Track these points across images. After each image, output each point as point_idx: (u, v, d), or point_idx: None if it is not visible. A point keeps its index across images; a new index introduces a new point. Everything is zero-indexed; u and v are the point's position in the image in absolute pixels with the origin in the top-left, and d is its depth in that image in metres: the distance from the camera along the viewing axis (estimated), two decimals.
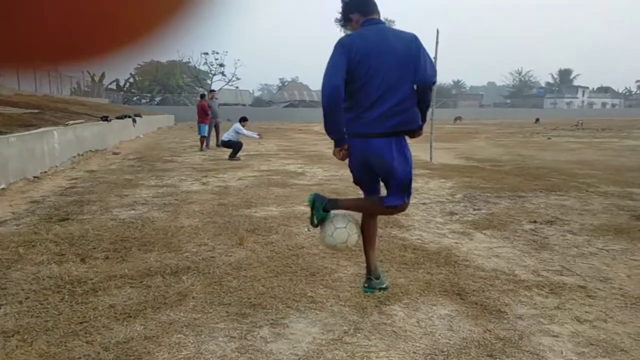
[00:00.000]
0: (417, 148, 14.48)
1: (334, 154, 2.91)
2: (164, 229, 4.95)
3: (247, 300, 3.14)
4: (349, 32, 2.94)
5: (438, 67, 11.21)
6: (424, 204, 6.31)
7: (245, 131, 12.26)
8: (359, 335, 2.67)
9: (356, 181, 3.12)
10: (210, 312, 2.96)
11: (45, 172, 8.81)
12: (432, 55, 10.85)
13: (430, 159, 10.92)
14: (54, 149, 9.50)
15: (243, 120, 12.71)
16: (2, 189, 7.09)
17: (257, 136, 12.89)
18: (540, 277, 3.61)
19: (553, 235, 4.79)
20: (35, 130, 9.23)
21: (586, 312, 3.00)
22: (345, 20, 2.93)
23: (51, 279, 3.53)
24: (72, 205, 6.14)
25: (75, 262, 3.91)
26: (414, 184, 7.51)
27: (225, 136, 12.23)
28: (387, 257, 4.01)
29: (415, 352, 2.49)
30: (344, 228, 2.93)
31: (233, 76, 50.90)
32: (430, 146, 11.07)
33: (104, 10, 0.57)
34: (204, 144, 14.77)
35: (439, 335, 2.69)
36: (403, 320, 2.84)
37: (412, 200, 6.39)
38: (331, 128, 2.78)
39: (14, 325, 2.82)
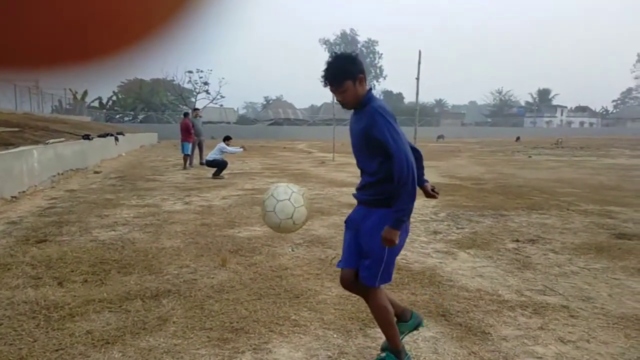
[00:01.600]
0: None
1: (393, 238, 2.28)
2: (144, 251, 4.85)
3: (229, 324, 3.07)
4: (347, 92, 2.40)
5: (421, 87, 11.44)
6: None
7: (229, 148, 12.23)
8: (343, 359, 2.63)
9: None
10: (191, 338, 2.89)
11: (24, 191, 8.62)
12: (414, 76, 10.89)
13: None
14: (33, 168, 9.32)
15: (227, 139, 12.68)
16: None
17: (242, 149, 12.82)
18: (523, 297, 3.62)
19: (535, 254, 4.83)
20: (14, 149, 9.06)
21: (569, 332, 3.01)
22: (353, 78, 2.37)
23: (26, 304, 3.42)
24: (50, 226, 6.00)
25: (52, 286, 3.80)
26: None
27: (210, 156, 12.17)
28: None
29: None
30: (287, 200, 2.62)
31: (217, 94, 50.96)
32: None
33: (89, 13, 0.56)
34: (188, 162, 14.66)
35: (424, 358, 2.66)
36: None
37: None
38: (412, 206, 2.34)
39: None
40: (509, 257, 4.71)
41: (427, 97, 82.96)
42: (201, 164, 15.21)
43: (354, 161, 2.65)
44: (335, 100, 2.83)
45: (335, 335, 2.93)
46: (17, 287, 3.78)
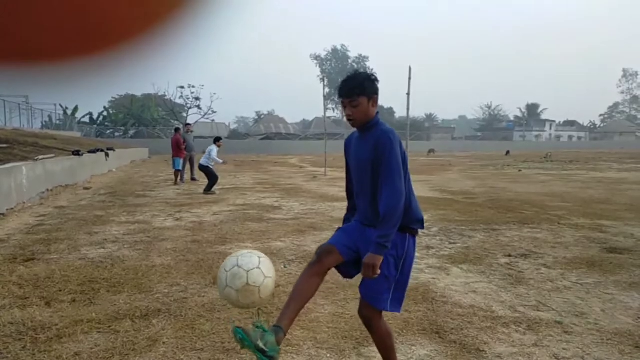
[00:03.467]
0: None
1: (377, 263, 2.22)
2: (134, 269, 4.78)
3: (220, 345, 3.02)
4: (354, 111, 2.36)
5: (411, 102, 11.54)
6: None
7: (214, 154, 12.05)
8: None
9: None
10: (182, 359, 2.83)
11: (12, 208, 8.50)
12: (405, 91, 11.03)
13: None
14: (22, 185, 9.21)
15: (217, 140, 12.55)
16: None
17: (221, 161, 12.44)
18: (517, 313, 3.61)
19: (528, 269, 4.83)
20: (3, 166, 8.96)
21: (564, 349, 3.00)
22: (369, 96, 2.35)
23: (13, 325, 3.34)
24: (38, 244, 5.91)
25: (39, 306, 3.72)
26: None
27: (202, 161, 12.07)
28: None
29: None
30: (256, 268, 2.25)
31: (209, 109, 51.01)
32: None
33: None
34: (179, 177, 14.59)
35: None
36: None
37: None
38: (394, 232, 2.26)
39: None
40: (502, 272, 4.71)
41: (417, 112, 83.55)
42: (192, 179, 15.15)
43: (344, 176, 2.64)
44: (343, 115, 2.78)
45: (328, 355, 2.89)
46: (3, 308, 3.70)
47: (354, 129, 2.51)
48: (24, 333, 3.22)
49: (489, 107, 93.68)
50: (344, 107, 2.40)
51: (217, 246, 5.84)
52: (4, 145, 12.65)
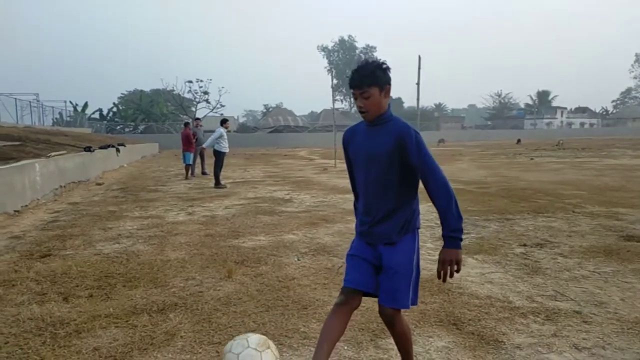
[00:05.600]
0: None
1: (459, 259, 2.20)
2: (149, 263, 4.81)
3: None
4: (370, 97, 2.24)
5: (420, 92, 11.44)
6: None
7: (216, 134, 11.74)
8: None
9: None
10: (200, 353, 2.84)
11: (26, 205, 8.59)
12: (415, 81, 10.89)
13: None
14: (35, 182, 9.30)
15: (224, 122, 12.39)
16: None
17: (224, 150, 12.19)
18: (535, 303, 3.57)
19: (544, 258, 4.78)
20: (16, 164, 9.04)
21: (584, 339, 2.96)
22: (381, 87, 2.23)
23: (32, 321, 3.38)
24: (54, 240, 5.97)
25: (57, 302, 3.76)
26: None
27: (208, 143, 12.00)
28: None
29: None
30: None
31: (217, 103, 51.04)
32: None
33: None
34: (189, 172, 14.65)
35: None
36: (400, 355, 2.76)
37: None
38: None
39: None
40: (518, 262, 4.66)
41: (426, 102, 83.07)
42: (203, 173, 15.21)
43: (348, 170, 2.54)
44: (352, 106, 2.64)
45: (346, 347, 2.88)
46: (23, 304, 3.74)
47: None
48: (43, 328, 3.25)
49: (499, 95, 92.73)
50: (355, 98, 2.28)
51: (230, 240, 5.86)
52: (17, 143, 12.77)
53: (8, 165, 8.60)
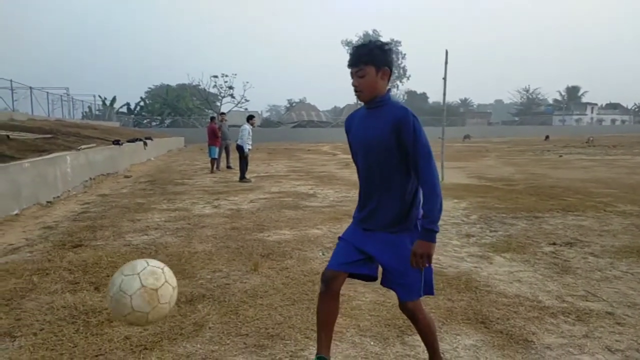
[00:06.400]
0: None
1: (431, 252, 2.14)
2: (177, 255, 4.90)
3: (264, 330, 3.06)
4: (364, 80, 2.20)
5: (447, 87, 11.27)
6: None
7: (245, 133, 11.96)
8: None
9: None
10: (228, 344, 2.88)
11: (58, 197, 8.84)
12: (438, 75, 10.63)
13: (442, 178, 10.84)
14: (67, 174, 9.56)
15: (250, 118, 12.56)
16: (16, 214, 7.11)
17: (247, 149, 12.33)
18: (565, 303, 3.50)
19: (574, 257, 4.67)
20: (48, 156, 9.31)
21: (617, 340, 2.89)
22: (377, 66, 2.18)
23: (66, 309, 3.48)
24: (85, 231, 6.13)
25: (89, 291, 3.86)
26: None
27: (238, 141, 12.16)
28: None
29: None
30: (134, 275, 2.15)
31: (242, 98, 51.39)
32: (442, 165, 11.00)
33: None
34: (215, 166, 14.82)
35: None
36: (427, 352, 2.74)
37: None
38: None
39: (29, 358, 2.76)
40: (547, 261, 4.57)
41: (452, 97, 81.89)
42: (228, 167, 15.37)
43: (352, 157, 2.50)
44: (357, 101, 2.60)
45: (372, 343, 2.88)
46: (56, 292, 3.85)
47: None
48: (76, 317, 3.35)
49: (527, 91, 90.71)
50: (352, 77, 2.22)
51: (255, 233, 5.91)
52: (49, 136, 13.13)
53: (40, 157, 8.86)
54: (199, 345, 2.88)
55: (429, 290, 2.34)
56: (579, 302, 3.51)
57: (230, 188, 10.57)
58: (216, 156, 14.89)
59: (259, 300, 3.62)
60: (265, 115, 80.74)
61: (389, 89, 2.28)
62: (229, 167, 15.40)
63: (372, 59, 2.16)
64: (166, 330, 3.08)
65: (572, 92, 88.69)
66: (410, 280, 2.24)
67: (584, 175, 12.16)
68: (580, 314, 3.30)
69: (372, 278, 2.39)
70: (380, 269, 2.35)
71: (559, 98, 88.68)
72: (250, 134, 12.08)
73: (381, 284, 2.37)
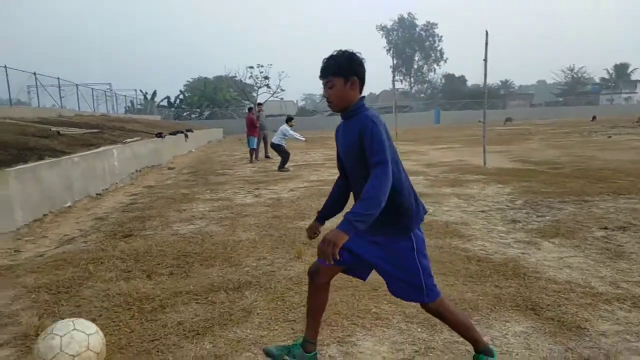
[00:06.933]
0: (467, 152, 14.05)
1: (338, 242, 1.94)
2: (223, 244, 5.02)
3: None
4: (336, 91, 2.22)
5: (488, 69, 10.93)
6: (482, 212, 6.09)
7: (291, 132, 12.39)
8: (431, 355, 2.57)
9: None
10: (276, 330, 2.95)
11: (107, 189, 9.21)
12: (482, 58, 10.37)
13: (485, 163, 10.59)
14: (114, 167, 9.93)
15: (289, 120, 12.90)
16: (69, 207, 7.46)
17: (304, 139, 12.91)
18: (620, 290, 3.37)
19: (628, 242, 4.48)
20: (97, 150, 9.69)
21: None
22: (345, 77, 2.20)
23: (121, 296, 3.65)
24: (134, 222, 6.37)
25: (142, 279, 4.03)
26: (470, 191, 7.29)
27: (275, 140, 12.39)
28: (450, 270, 3.88)
29: None
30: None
31: (278, 88, 51.65)
32: (484, 150, 10.74)
33: None
34: (254, 156, 15.03)
35: (518, 355, 2.54)
36: None
37: (470, 209, 6.24)
38: (371, 219, 2.02)
39: None
40: (599, 246, 4.41)
41: (492, 79, 79.29)
42: (266, 157, 15.56)
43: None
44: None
45: (419, 330, 2.87)
46: (111, 280, 4.04)
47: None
48: (131, 303, 3.50)
49: (572, 70, 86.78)
50: (324, 88, 2.28)
51: (297, 222, 5.97)
52: (96, 131, 13.65)
53: (90, 152, 9.24)
54: (248, 331, 2.96)
55: (432, 295, 2.27)
56: (635, 289, 3.38)
57: (270, 177, 10.70)
58: (255, 146, 15.09)
59: (304, 287, 3.65)
60: (301, 104, 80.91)
61: (363, 97, 2.30)
62: (267, 157, 15.58)
63: (339, 70, 2.20)
64: (217, 317, 3.18)
65: (621, 70, 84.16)
66: (416, 286, 2.23)
67: (635, 157, 11.58)
68: (636, 300, 3.17)
69: (361, 278, 2.50)
70: (372, 274, 2.41)
71: (607, 77, 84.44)
72: (288, 134, 12.35)
73: (390, 292, 2.38)
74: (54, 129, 11.24)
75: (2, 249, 5.26)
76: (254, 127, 14.97)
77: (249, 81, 52.19)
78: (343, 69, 2.20)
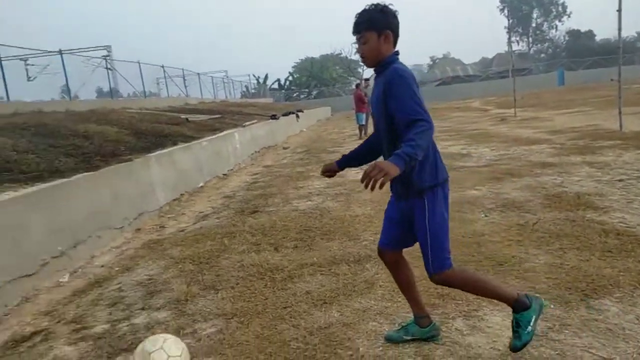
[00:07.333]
0: (599, 115, 12.66)
1: (389, 172, 1.82)
2: (340, 218, 5.20)
3: (434, 290, 3.11)
4: (368, 46, 2.19)
5: (623, 20, 9.66)
6: (620, 180, 5.51)
7: None
8: (566, 332, 2.45)
9: None
10: (399, 301, 3.01)
11: (231, 169, 9.96)
12: (614, 8, 9.15)
13: (620, 126, 9.48)
14: (236, 149, 10.69)
15: None
16: (201, 186, 8.23)
17: None
18: None
19: None
20: (221, 134, 10.50)
21: None
22: (378, 31, 2.15)
23: (253, 267, 3.99)
24: (258, 199, 6.84)
25: (270, 251, 4.35)
26: (604, 158, 6.65)
27: None
28: (584, 244, 3.61)
29: None
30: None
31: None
32: (619, 111, 9.60)
33: None
34: (363, 132, 15.10)
35: None
36: (618, 317, 2.53)
37: (605, 178, 5.68)
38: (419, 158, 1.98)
39: (231, 308, 3.25)
40: None
41: (626, 31, 69.64)
42: None
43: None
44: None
45: (552, 306, 2.74)
46: (244, 252, 4.42)
47: None
48: (263, 273, 3.81)
49: None
50: (357, 44, 2.25)
51: None
52: (218, 116, 14.73)
53: (215, 136, 10.03)
54: (372, 302, 3.07)
55: (440, 265, 2.23)
56: None
57: None
58: (364, 122, 15.14)
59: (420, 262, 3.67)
60: None
61: (396, 52, 2.22)
62: None
63: (371, 24, 2.16)
64: (341, 287, 3.34)
65: None
66: (425, 254, 2.25)
67: None
68: None
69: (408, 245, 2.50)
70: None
71: None
72: None
73: None
74: (182, 116, 12.36)
75: (150, 226, 6.01)
76: (362, 103, 14.99)
77: (355, 57, 52.10)
78: (376, 23, 2.16)
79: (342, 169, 2.62)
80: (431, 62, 76.36)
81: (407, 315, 2.83)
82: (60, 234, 4.46)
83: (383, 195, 6.21)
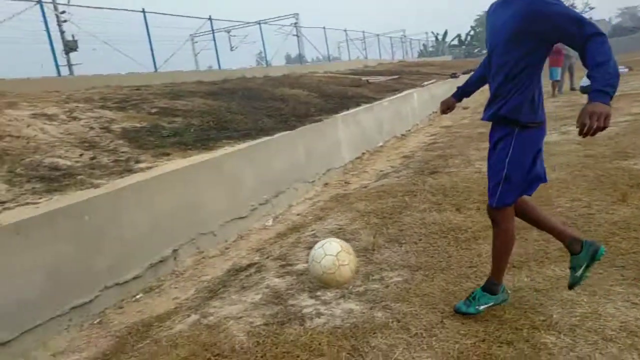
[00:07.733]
0: None
1: (604, 112, 1.84)
2: None
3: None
4: None
5: None
6: None
7: None
8: None
9: None
10: (602, 274, 2.79)
11: (409, 130, 10.02)
12: None
13: None
14: (414, 109, 10.68)
15: None
16: (380, 146, 8.50)
17: (626, 70, 10.90)
18: None
19: None
20: (400, 94, 10.57)
21: None
22: None
23: (435, 225, 4.06)
24: (437, 160, 6.81)
25: (452, 212, 4.36)
26: None
27: (584, 82, 10.84)
28: None
29: None
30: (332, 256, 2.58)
31: (586, 6, 44.08)
32: None
33: None
34: (556, 89, 13.53)
35: None
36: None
37: None
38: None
39: (415, 261, 3.41)
40: None
41: None
42: (572, 89, 13.78)
43: None
44: None
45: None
46: (425, 211, 4.52)
47: None
48: (445, 232, 3.87)
49: None
50: None
51: (616, 161, 5.25)
52: (396, 77, 14.78)
53: (395, 96, 10.16)
54: (566, 270, 2.89)
55: (504, 201, 2.31)
56: None
57: (577, 112, 9.49)
58: (558, 78, 13.52)
59: (633, 233, 3.29)
60: (615, 21, 66.82)
61: None
62: (573, 89, 13.78)
63: None
64: (531, 252, 3.22)
65: None
66: (490, 184, 2.41)
67: None
68: None
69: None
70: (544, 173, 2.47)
71: None
72: None
73: None
74: (363, 78, 12.75)
75: (337, 181, 6.50)
76: (559, 55, 13.28)
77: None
78: None
79: (459, 100, 2.87)
80: None
81: (611, 288, 2.62)
82: (267, 185, 5.16)
83: (581, 159, 5.67)
